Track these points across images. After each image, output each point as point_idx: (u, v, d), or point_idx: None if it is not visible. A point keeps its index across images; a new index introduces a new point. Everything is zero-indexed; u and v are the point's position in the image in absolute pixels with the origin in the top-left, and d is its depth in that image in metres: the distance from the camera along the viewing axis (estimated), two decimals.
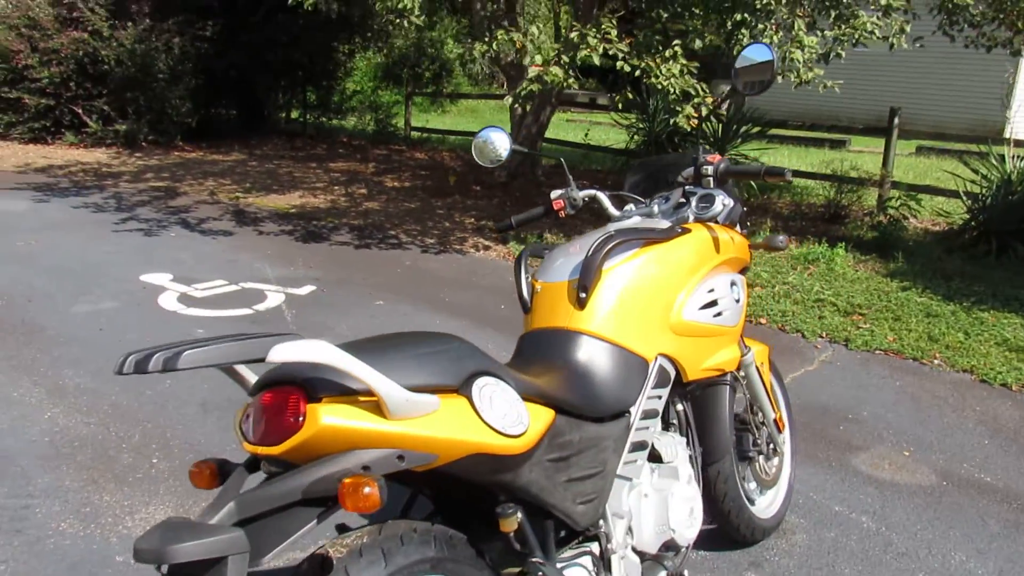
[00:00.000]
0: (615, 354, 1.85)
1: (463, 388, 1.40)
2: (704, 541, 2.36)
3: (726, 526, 2.53)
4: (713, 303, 2.09)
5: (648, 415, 1.90)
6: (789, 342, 4.66)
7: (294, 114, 14.35)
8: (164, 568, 1.17)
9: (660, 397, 1.95)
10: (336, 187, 9.34)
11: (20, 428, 3.17)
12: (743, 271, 2.34)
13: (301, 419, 1.23)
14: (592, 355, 1.83)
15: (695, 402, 2.23)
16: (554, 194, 2.33)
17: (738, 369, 2.43)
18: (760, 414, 2.59)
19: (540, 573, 1.48)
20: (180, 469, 2.91)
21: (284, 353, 1.17)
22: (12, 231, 6.31)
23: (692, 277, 2.02)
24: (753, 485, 2.67)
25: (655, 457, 2.02)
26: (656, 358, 1.93)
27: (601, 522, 1.77)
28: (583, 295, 1.89)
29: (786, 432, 2.75)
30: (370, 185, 9.53)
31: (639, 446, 1.87)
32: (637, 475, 1.87)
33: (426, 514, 1.62)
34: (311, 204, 8.31)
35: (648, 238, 1.99)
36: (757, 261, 6.02)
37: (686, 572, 2.02)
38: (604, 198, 2.31)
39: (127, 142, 11.29)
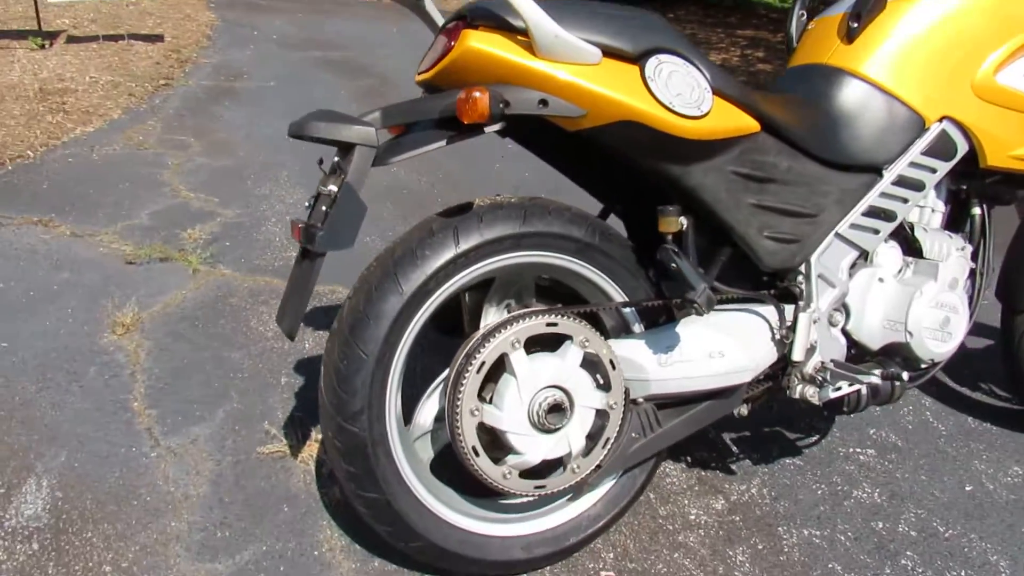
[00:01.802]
0: (876, 101, 1.53)
1: (639, 59, 1.27)
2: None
3: None
4: None
5: (907, 184, 1.55)
6: None
7: None
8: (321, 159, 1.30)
9: (934, 170, 1.57)
10: (733, 48, 8.93)
11: None
12: None
13: (453, 43, 1.23)
14: (845, 95, 1.54)
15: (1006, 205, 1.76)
16: None
17: None
18: None
19: (695, 295, 1.32)
20: None
21: None
22: None
23: None
24: None
25: (916, 252, 1.65)
26: (940, 121, 1.55)
27: (800, 278, 1.52)
28: (854, 25, 1.56)
29: None
30: (771, 50, 8.92)
31: (881, 214, 1.54)
32: (869, 245, 1.55)
33: None
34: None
35: None
36: None
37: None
38: None
39: None
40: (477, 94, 1.16)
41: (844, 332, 1.60)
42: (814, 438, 2.02)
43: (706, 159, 1.35)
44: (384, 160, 1.26)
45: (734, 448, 1.95)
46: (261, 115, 4.44)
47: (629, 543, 1.62)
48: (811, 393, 1.52)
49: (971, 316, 1.72)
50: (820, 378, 1.52)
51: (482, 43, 1.21)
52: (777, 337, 1.49)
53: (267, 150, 3.89)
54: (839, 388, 1.57)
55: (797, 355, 1.49)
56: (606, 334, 1.47)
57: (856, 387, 1.59)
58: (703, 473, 1.85)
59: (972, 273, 1.74)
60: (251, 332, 2.27)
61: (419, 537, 1.38)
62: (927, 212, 1.69)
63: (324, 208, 1.23)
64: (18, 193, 3.11)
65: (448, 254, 1.31)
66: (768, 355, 1.49)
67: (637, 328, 1.49)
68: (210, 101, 4.62)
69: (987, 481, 1.91)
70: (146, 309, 2.33)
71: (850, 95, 1.54)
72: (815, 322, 1.52)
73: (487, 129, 1.25)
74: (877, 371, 1.59)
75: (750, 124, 1.38)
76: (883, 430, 2.08)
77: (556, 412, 1.34)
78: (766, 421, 2.06)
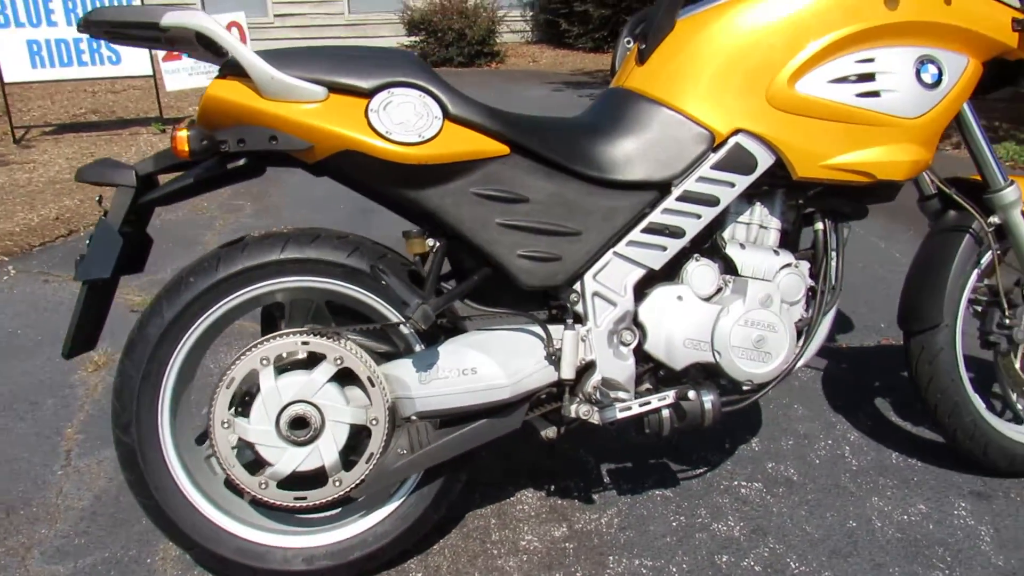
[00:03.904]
0: (660, 119, 1.52)
1: (371, 93, 1.38)
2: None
3: (938, 429, 1.85)
4: (866, 77, 1.51)
5: (697, 200, 1.52)
6: None
7: None
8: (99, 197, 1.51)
9: (731, 184, 1.52)
10: None
11: None
12: (985, 54, 1.60)
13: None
14: (630, 115, 1.55)
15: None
16: None
17: (989, 213, 1.73)
18: None
19: (409, 311, 1.37)
20: None
21: (173, 19, 1.34)
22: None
23: (821, 37, 1.49)
24: (1018, 395, 1.87)
25: (732, 269, 1.60)
26: (734, 135, 1.51)
27: (574, 296, 1.52)
28: (643, 47, 1.58)
29: None
30: None
31: (665, 230, 1.52)
32: (653, 262, 1.53)
33: None
34: None
35: None
36: None
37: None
38: None
39: None
40: (178, 133, 1.32)
41: (643, 351, 1.57)
42: (699, 470, 1.94)
43: (441, 183, 1.41)
44: (145, 199, 1.44)
45: (605, 477, 1.91)
46: (307, 185, 4.84)
47: (444, 564, 1.64)
48: (587, 412, 1.50)
49: (810, 336, 1.62)
50: (600, 397, 1.50)
51: (220, 91, 1.36)
52: (546, 355, 1.50)
53: (309, 209, 4.24)
54: (628, 409, 1.54)
55: (565, 373, 1.49)
56: (396, 355, 1.54)
57: (653, 408, 1.55)
58: (559, 500, 1.83)
59: (812, 292, 1.64)
60: (202, 369, 2.50)
61: (193, 543, 1.50)
62: (752, 229, 1.63)
63: (86, 242, 1.42)
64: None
65: (209, 281, 1.46)
66: (535, 373, 1.49)
67: (417, 348, 1.54)
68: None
69: (877, 519, 1.75)
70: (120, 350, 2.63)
71: (635, 115, 1.54)
72: (585, 340, 1.51)
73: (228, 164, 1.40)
74: (671, 392, 1.55)
75: (494, 148, 1.43)
76: (783, 464, 1.95)
77: (301, 426, 1.43)
78: (653, 451, 2.00)
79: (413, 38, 10.57)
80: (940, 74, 1.54)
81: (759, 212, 1.63)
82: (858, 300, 2.89)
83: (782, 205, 1.65)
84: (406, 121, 1.37)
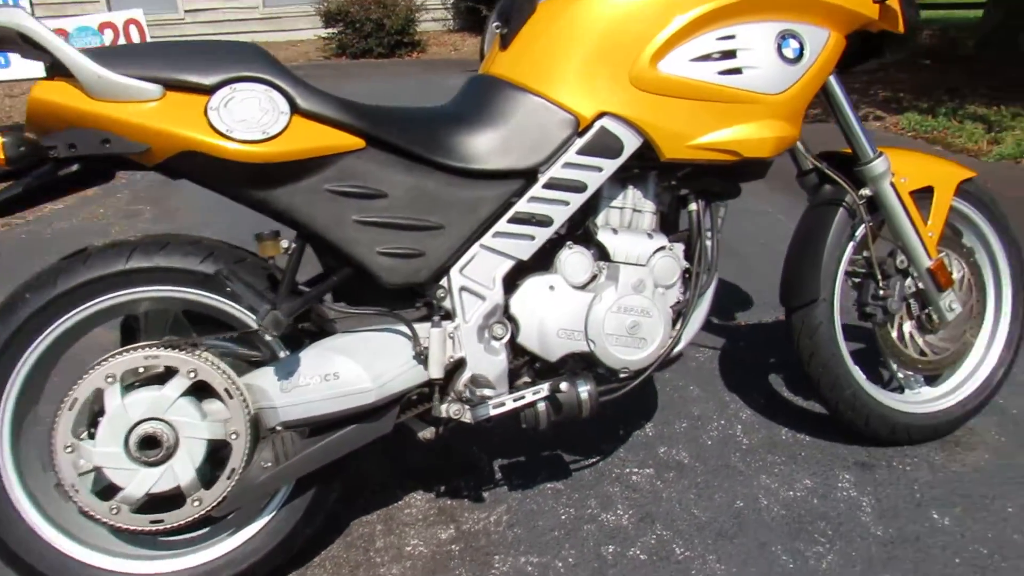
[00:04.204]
0: (524, 105, 1.48)
1: (212, 90, 1.30)
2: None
3: (822, 402, 1.87)
4: (728, 55, 1.49)
5: (564, 187, 1.48)
6: None
7: None
8: None
9: (599, 169, 1.49)
10: None
11: None
12: (848, 25, 1.60)
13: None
14: (493, 103, 1.50)
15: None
16: None
17: (861, 186, 1.74)
18: (900, 258, 1.80)
19: (258, 318, 1.31)
20: None
21: None
22: None
23: (681, 15, 1.46)
24: (898, 364, 1.90)
25: (606, 255, 1.57)
26: (599, 118, 1.48)
27: (441, 292, 1.47)
28: (505, 31, 1.54)
29: (966, 297, 1.86)
30: None
31: (532, 219, 1.48)
32: (522, 253, 1.49)
33: None
34: None
35: None
36: None
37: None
38: None
39: None
40: None
41: (516, 345, 1.54)
42: (592, 459, 1.92)
43: (291, 181, 1.35)
44: None
45: (497, 473, 1.88)
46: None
47: None
48: (457, 411, 1.46)
49: (686, 319, 1.61)
50: (470, 395, 1.46)
51: (45, 93, 1.27)
52: (414, 355, 1.45)
53: (205, 213, 4.09)
54: (501, 405, 1.50)
55: (434, 372, 1.44)
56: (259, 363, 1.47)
57: (528, 402, 1.52)
58: (449, 501, 1.79)
59: (685, 274, 1.63)
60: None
61: (34, 570, 1.41)
62: (626, 213, 1.60)
63: None
64: None
65: (47, 296, 1.36)
66: (402, 374, 1.44)
67: (282, 354, 1.48)
68: None
69: (764, 497, 1.75)
70: None
71: (498, 102, 1.50)
72: (454, 337, 1.46)
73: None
74: (545, 385, 1.52)
75: (348, 142, 1.37)
76: (675, 447, 1.95)
77: (152, 445, 1.35)
78: (547, 443, 1.97)
79: (331, 30, 10.36)
80: (801, 48, 1.53)
81: (632, 196, 1.60)
82: (758, 276, 2.91)
83: (655, 187, 1.62)
84: (249, 118, 1.30)
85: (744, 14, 1.49)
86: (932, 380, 1.97)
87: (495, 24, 1.73)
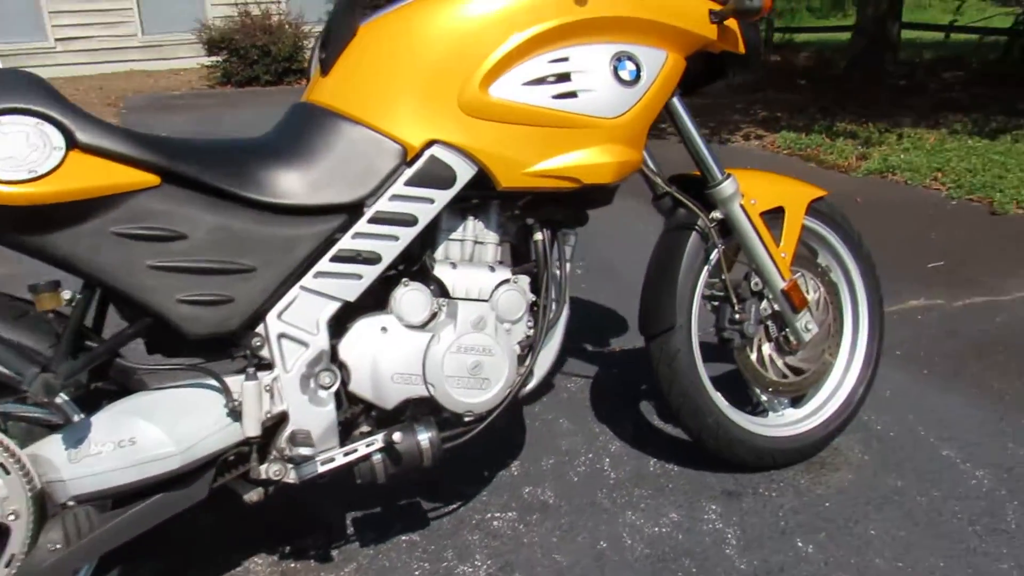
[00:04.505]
0: (346, 134, 1.37)
1: None
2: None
3: (685, 431, 1.81)
4: (562, 78, 1.42)
5: (392, 221, 1.38)
6: None
7: None
8: None
9: (430, 200, 1.39)
10: None
11: None
12: (689, 48, 1.56)
13: None
14: (312, 133, 1.39)
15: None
16: None
17: (712, 208, 1.70)
18: (755, 280, 1.76)
19: (24, 382, 1.15)
20: None
21: None
22: None
23: (510, 38, 1.38)
24: (760, 388, 1.87)
25: (445, 291, 1.47)
26: (428, 147, 1.38)
27: (257, 340, 1.33)
28: (323, 56, 1.42)
29: (822, 318, 1.85)
30: None
31: (358, 257, 1.36)
32: (349, 294, 1.37)
33: None
34: None
35: None
36: None
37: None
38: None
39: None
40: None
41: (348, 393, 1.41)
42: (453, 505, 1.80)
43: (71, 224, 1.19)
44: None
45: (349, 527, 1.73)
46: None
47: None
48: (278, 471, 1.32)
49: (535, 356, 1.52)
50: (293, 452, 1.33)
51: None
52: (227, 412, 1.31)
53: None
54: (330, 461, 1.38)
55: (250, 429, 1.30)
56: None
57: (361, 455, 1.39)
58: (292, 564, 1.63)
59: (533, 308, 1.54)
60: None
61: None
62: (467, 245, 1.51)
63: None
64: None
65: None
66: (213, 435, 1.29)
67: (76, 419, 1.31)
68: None
69: (628, 535, 1.67)
70: None
71: (318, 132, 1.38)
72: (272, 389, 1.33)
73: None
74: (379, 436, 1.40)
75: (139, 179, 1.22)
76: (541, 486, 1.85)
77: None
78: (403, 489, 1.84)
79: (215, 58, 10.00)
80: (638, 70, 1.48)
81: (473, 227, 1.51)
82: (636, 299, 2.86)
83: (498, 217, 1.53)
84: (16, 154, 1.14)
85: (577, 36, 1.43)
86: (797, 402, 1.95)
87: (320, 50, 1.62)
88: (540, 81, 1.41)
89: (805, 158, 5.12)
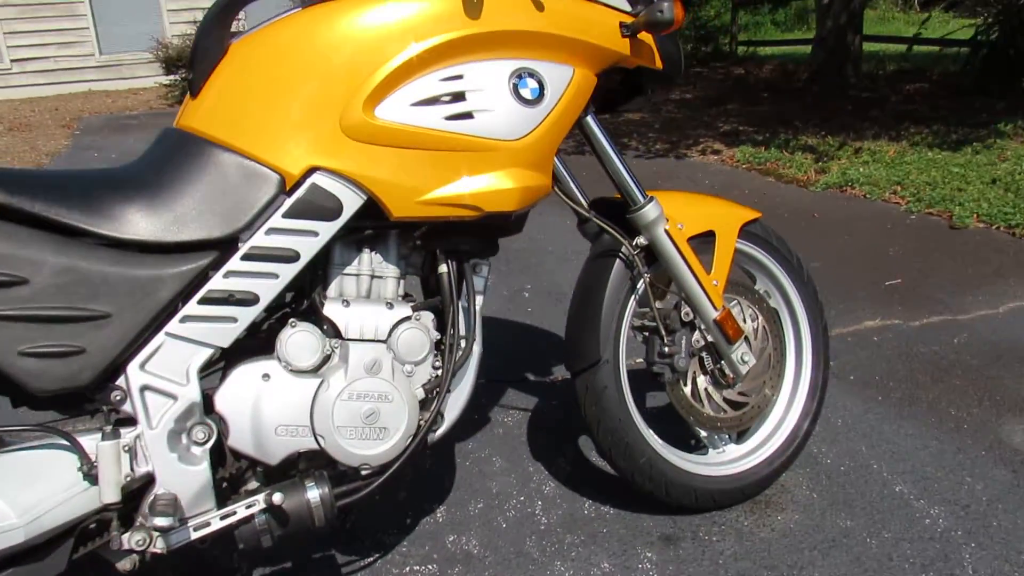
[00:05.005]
0: (215, 162, 1.24)
1: None
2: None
3: (616, 472, 1.68)
4: (456, 97, 1.29)
5: (270, 257, 1.24)
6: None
7: None
8: None
9: (314, 233, 1.26)
10: None
11: None
12: (597, 64, 1.44)
13: None
14: (177, 161, 1.25)
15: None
16: None
17: (636, 234, 1.58)
18: (686, 310, 1.65)
19: None
20: None
21: None
22: None
23: (395, 55, 1.26)
24: (696, 424, 1.74)
25: (338, 331, 1.33)
26: (308, 173, 1.25)
27: (118, 394, 1.19)
28: (191, 76, 1.29)
29: (764, 349, 1.73)
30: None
31: (230, 299, 1.23)
32: (222, 339, 1.23)
33: None
34: None
35: None
36: None
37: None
38: None
39: None
40: None
41: (229, 448, 1.27)
42: (370, 557, 1.66)
43: None
44: None
45: None
46: None
47: None
48: (141, 541, 1.17)
49: (440, 400, 1.38)
50: (160, 518, 1.18)
51: None
52: (83, 476, 1.16)
53: None
54: (205, 526, 1.23)
55: (107, 495, 1.15)
56: None
57: (241, 518, 1.25)
58: None
59: (439, 346, 1.41)
60: None
61: None
62: (363, 280, 1.37)
63: None
64: None
65: None
66: (64, 503, 1.15)
67: None
68: None
69: None
70: None
71: (185, 160, 1.24)
72: (133, 449, 1.19)
73: None
74: (260, 496, 1.26)
75: None
76: (466, 534, 1.72)
77: None
78: (320, 538, 1.70)
79: (172, 76, 9.82)
80: (541, 88, 1.36)
81: (369, 260, 1.38)
82: None
83: (400, 249, 1.41)
84: None
85: (472, 52, 1.31)
86: (739, 437, 1.83)
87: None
88: (432, 101, 1.28)
89: (764, 172, 5.05)
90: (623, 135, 6.61)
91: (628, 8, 1.46)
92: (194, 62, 1.28)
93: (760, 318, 1.75)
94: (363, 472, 1.33)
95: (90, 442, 1.17)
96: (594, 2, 1.43)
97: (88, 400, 1.21)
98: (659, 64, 1.51)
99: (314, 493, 1.27)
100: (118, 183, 1.21)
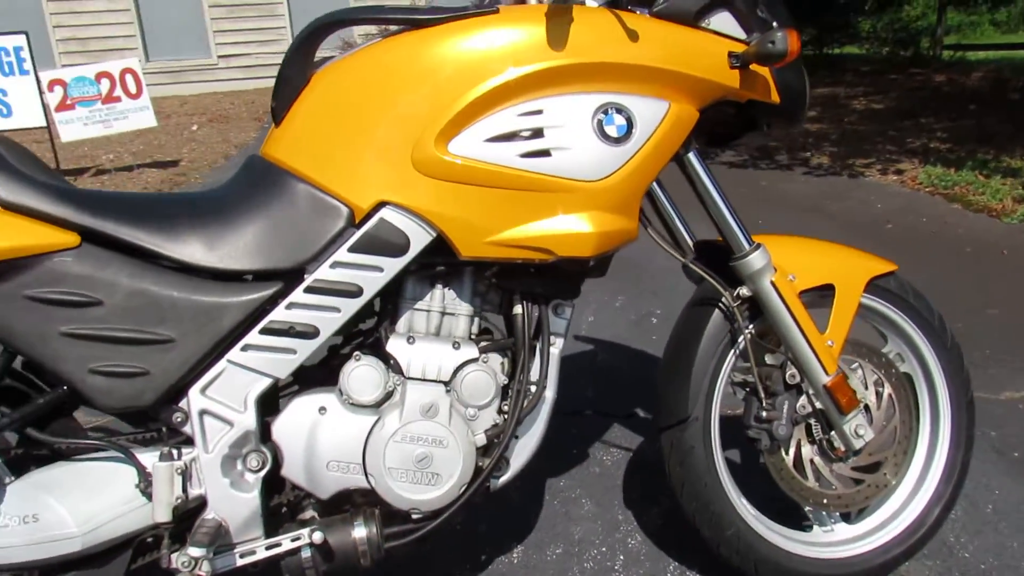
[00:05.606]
0: (290, 192, 1.24)
1: None
2: None
3: (702, 541, 1.55)
4: (534, 134, 1.22)
5: (332, 291, 1.23)
6: None
7: None
8: None
9: (379, 269, 1.23)
10: None
11: None
12: (701, 99, 1.31)
13: None
14: (256, 190, 1.27)
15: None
16: None
17: (738, 283, 1.44)
18: (791, 371, 1.48)
19: None
20: None
21: None
22: None
23: (473, 88, 1.20)
24: (798, 498, 1.57)
25: (400, 369, 1.30)
26: (377, 209, 1.23)
27: (179, 416, 1.22)
28: (274, 105, 1.30)
29: (890, 422, 1.52)
30: (833, 108, 8.20)
31: (290, 331, 1.22)
32: (280, 370, 1.23)
33: None
34: None
35: (404, 19, 1.25)
36: None
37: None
38: None
39: None
40: None
41: (281, 477, 1.27)
42: None
43: None
44: None
45: None
46: None
47: None
48: (188, 563, 1.19)
49: (502, 447, 1.31)
50: (208, 541, 1.20)
51: None
52: (141, 492, 1.20)
53: None
54: (250, 553, 1.23)
55: (160, 514, 1.18)
56: None
57: (287, 550, 1.25)
58: None
59: (506, 391, 1.34)
60: None
61: None
62: (434, 317, 1.33)
63: None
64: None
65: None
66: (119, 518, 1.19)
67: (7, 480, 1.24)
68: None
69: None
70: None
71: (261, 189, 1.25)
72: (189, 471, 1.21)
73: None
74: (306, 530, 1.24)
75: (56, 239, 1.15)
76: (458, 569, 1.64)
77: None
78: (374, 568, 1.68)
79: None
80: (629, 125, 1.25)
81: (442, 296, 1.33)
82: None
83: (475, 286, 1.35)
84: None
85: (554, 85, 1.22)
86: (855, 516, 1.62)
87: None
88: (508, 137, 1.21)
89: (950, 198, 4.54)
90: (795, 148, 6.21)
91: (740, 35, 1.32)
92: (277, 91, 1.28)
93: (887, 386, 1.54)
94: (414, 516, 1.29)
95: (149, 460, 1.20)
96: (700, 28, 1.30)
97: (151, 419, 1.25)
98: (775, 98, 1.35)
99: (361, 532, 1.25)
100: (198, 209, 1.24)
